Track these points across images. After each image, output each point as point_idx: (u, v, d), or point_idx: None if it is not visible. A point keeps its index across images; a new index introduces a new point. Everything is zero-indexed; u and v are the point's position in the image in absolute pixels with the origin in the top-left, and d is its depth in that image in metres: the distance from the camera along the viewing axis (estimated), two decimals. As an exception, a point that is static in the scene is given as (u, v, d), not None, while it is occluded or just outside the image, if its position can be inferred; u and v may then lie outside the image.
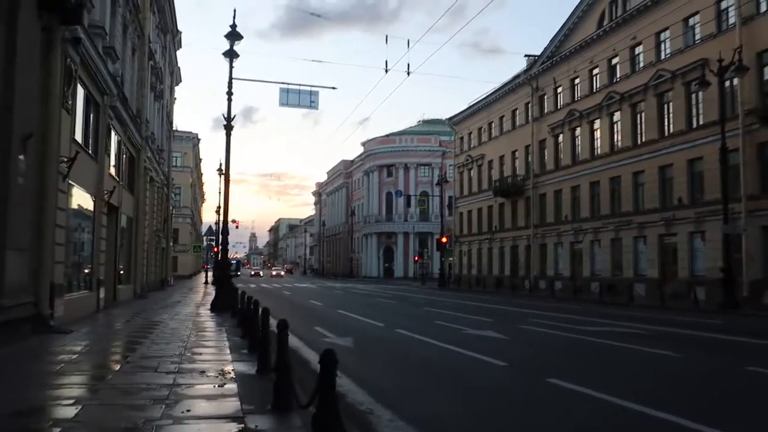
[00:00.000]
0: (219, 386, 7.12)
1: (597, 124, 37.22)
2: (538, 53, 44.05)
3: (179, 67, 45.53)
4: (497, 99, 49.92)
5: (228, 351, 10.09)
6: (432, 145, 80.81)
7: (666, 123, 31.64)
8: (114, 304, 20.05)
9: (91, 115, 16.77)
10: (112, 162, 20.39)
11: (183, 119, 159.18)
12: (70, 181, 13.73)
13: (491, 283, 45.85)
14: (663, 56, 31.98)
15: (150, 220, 30.48)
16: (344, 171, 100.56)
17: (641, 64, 33.60)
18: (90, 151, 16.69)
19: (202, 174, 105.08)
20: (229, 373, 8.01)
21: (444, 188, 54.76)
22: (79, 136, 15.19)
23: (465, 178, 56.42)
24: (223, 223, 20.26)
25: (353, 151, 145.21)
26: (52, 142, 12.15)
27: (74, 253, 15.77)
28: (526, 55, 47.05)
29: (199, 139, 75.38)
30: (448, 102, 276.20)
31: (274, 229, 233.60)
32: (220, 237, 20.40)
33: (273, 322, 13.21)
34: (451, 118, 59.14)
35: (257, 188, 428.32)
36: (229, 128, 20.30)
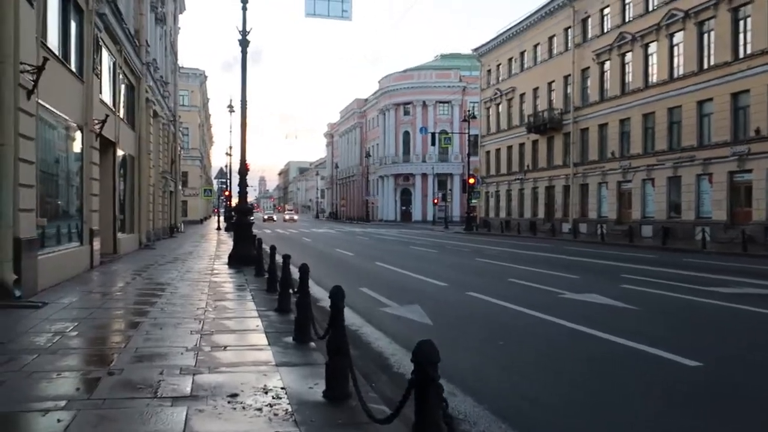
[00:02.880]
0: (270, 441, 3.83)
1: (653, 47, 32.95)
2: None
3: (182, -8, 41.20)
4: (531, 25, 45.36)
5: (265, 341, 6.80)
6: (452, 81, 76.26)
7: (742, 42, 27.45)
8: (113, 258, 16.85)
9: (72, 21, 13.13)
10: (105, 86, 16.83)
11: (189, 61, 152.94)
12: (40, 101, 10.24)
13: (524, 227, 42.48)
14: (740, -36, 27.56)
15: (155, 159, 27.08)
16: (358, 110, 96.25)
17: (712, -25, 29.18)
18: (72, 67, 13.13)
19: (210, 115, 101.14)
20: (280, 397, 4.72)
21: (469, 125, 50.86)
22: (53, 43, 11.61)
23: (492, 114, 52.33)
24: (241, 161, 16.79)
25: (365, 92, 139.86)
26: (4, 39, 8.64)
27: (55, 199, 12.42)
28: (564, -25, 42.31)
29: (206, 77, 71.23)
30: (466, 38, 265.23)
31: (283, 173, 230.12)
32: (238, 177, 16.97)
33: (321, 290, 9.89)
34: (476, 49, 54.52)
35: (265, 131, 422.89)
36: (244, 44, 16.61)
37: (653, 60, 33.05)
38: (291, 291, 8.55)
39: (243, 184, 16.89)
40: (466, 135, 52.05)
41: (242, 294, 10.71)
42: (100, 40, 15.16)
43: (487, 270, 16.26)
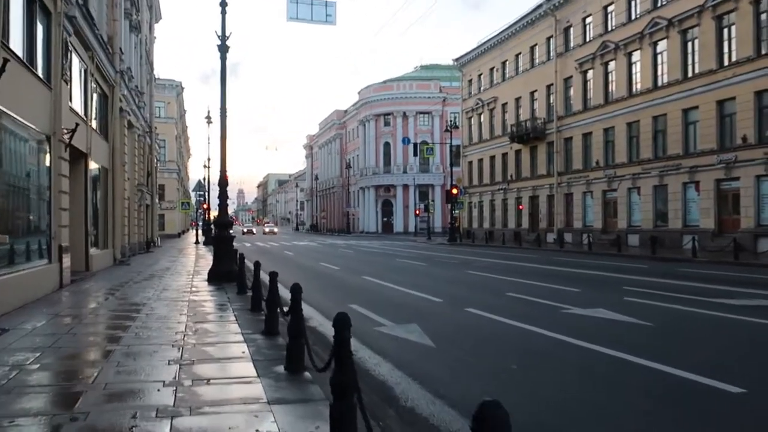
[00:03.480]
0: None
1: (636, 56, 32.78)
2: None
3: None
4: (512, 35, 45.16)
5: (254, 371, 6.03)
6: (432, 92, 76.00)
7: (726, 50, 27.31)
8: (85, 276, 15.90)
9: (38, 23, 12.28)
10: (76, 94, 15.97)
11: (166, 72, 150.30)
12: (0, 107, 9.40)
13: (509, 237, 41.97)
14: (723, -28, 27.45)
15: (131, 172, 26.09)
16: (337, 121, 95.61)
17: (695, -17, 29.06)
18: (38, 73, 12.27)
19: (187, 127, 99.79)
20: (276, 446, 3.97)
21: (451, 135, 50.37)
22: (16, 45, 10.76)
23: (474, 124, 52.00)
24: (221, 171, 15.96)
25: (343, 104, 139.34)
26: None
27: (20, 213, 11.50)
28: (544, -16, 42.16)
29: (183, 88, 70.14)
30: (445, 49, 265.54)
31: (262, 185, 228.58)
32: (218, 189, 16.12)
33: (312, 312, 9.24)
34: (457, 59, 54.25)
35: (243, 144, 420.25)
36: (224, 49, 15.85)
37: (637, 68, 32.87)
38: (279, 311, 7.80)
39: (223, 196, 16.06)
40: (448, 145, 51.61)
41: (225, 314, 9.89)
42: (69, 44, 14.31)
43: (481, 283, 15.59)
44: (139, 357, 6.62)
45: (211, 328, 8.58)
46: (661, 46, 31.08)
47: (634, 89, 33.04)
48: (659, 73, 31.30)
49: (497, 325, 9.34)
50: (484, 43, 49.27)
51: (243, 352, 6.90)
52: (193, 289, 13.74)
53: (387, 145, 78.93)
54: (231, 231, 17.00)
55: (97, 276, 16.67)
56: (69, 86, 14.62)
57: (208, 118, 42.90)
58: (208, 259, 25.10)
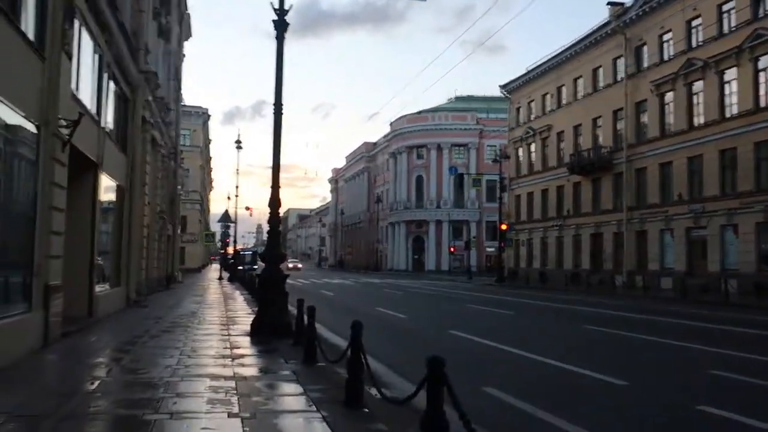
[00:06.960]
0: None
1: (731, 74, 28.50)
2: None
3: (189, 13, 36.97)
4: (570, 58, 41.20)
5: None
6: (468, 123, 72.12)
7: None
8: (87, 325, 11.73)
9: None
10: (84, 81, 12.04)
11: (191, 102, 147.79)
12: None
13: (569, 279, 37.36)
14: None
15: (152, 195, 22.15)
16: (366, 154, 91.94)
17: (809, -12, 25.01)
18: (27, 31, 8.33)
19: (210, 158, 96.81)
20: None
21: (501, 167, 46.23)
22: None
23: (523, 155, 47.81)
24: (273, 186, 11.79)
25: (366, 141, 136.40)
26: None
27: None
28: (608, 3, 38.35)
29: (209, 116, 67.13)
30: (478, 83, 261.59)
31: (283, 220, 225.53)
32: (269, 211, 11.94)
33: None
34: (504, 86, 50.37)
35: (265, 180, 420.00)
36: (281, 25, 11.90)
37: (732, 88, 28.57)
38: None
39: (275, 220, 11.90)
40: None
41: (307, 416, 5.63)
42: (76, 8, 10.42)
43: (638, 348, 11.08)
44: None
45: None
46: (764, 61, 26.84)
47: (728, 112, 28.72)
48: (762, 92, 27.00)
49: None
50: (536, 68, 45.41)
51: None
52: (235, 351, 9.49)
53: (420, 178, 74.87)
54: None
55: (102, 324, 12.53)
56: (74, 66, 10.72)
57: (238, 143, 39.34)
58: (238, 300, 21.01)
